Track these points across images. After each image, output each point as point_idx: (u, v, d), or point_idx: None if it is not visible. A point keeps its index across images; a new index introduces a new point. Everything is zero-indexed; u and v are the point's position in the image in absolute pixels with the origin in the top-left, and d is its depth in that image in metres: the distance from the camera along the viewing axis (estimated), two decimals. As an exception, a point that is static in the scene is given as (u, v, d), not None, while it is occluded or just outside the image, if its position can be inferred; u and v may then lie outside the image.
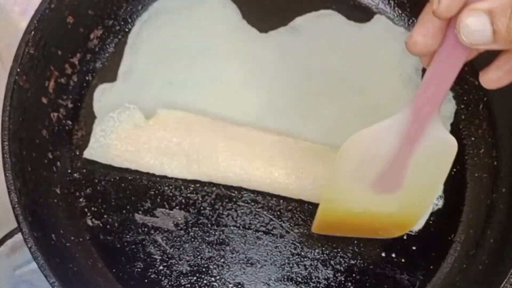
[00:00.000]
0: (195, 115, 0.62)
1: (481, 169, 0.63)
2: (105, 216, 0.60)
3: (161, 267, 0.59)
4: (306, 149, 0.61)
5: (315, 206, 0.61)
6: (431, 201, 0.60)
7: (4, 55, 0.70)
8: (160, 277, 0.58)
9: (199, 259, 0.59)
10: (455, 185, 0.63)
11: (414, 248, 0.60)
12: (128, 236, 0.59)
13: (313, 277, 0.59)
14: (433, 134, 0.48)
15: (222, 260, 0.59)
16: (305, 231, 0.60)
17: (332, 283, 0.59)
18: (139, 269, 0.59)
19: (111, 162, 0.61)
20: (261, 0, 0.69)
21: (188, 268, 0.59)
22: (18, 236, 0.59)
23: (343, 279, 0.59)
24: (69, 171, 0.62)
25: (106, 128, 0.61)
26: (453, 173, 0.63)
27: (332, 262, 0.60)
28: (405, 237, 0.61)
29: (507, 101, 0.62)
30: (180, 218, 0.60)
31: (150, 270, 0.59)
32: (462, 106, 0.66)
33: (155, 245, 0.59)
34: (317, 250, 0.60)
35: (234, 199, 0.61)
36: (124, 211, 0.60)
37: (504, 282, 0.53)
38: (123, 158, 0.61)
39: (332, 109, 0.64)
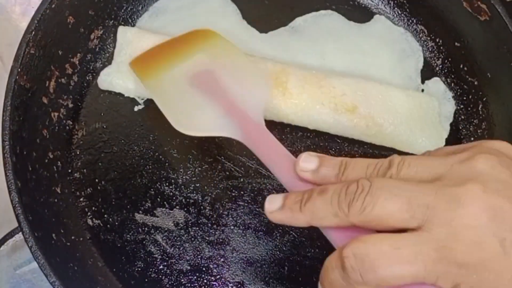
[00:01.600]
0: None
1: (480, 169, 0.63)
2: (105, 215, 0.60)
3: (161, 266, 0.59)
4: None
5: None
6: None
7: (4, 55, 0.70)
8: (160, 276, 0.59)
9: (199, 259, 0.59)
10: (454, 185, 0.63)
11: (413, 247, 0.61)
12: (128, 236, 0.60)
13: (313, 277, 0.59)
14: None
15: (222, 259, 0.59)
16: (305, 231, 0.60)
17: (332, 283, 0.59)
18: (140, 268, 0.59)
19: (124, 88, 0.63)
20: (261, 0, 0.69)
21: (189, 267, 0.59)
22: (19, 236, 0.59)
23: (343, 278, 0.59)
24: (70, 170, 0.62)
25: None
26: (452, 173, 0.64)
27: (332, 261, 0.60)
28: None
29: (506, 101, 0.62)
30: (180, 218, 0.60)
31: (151, 269, 0.59)
32: (462, 106, 0.66)
33: (156, 245, 0.59)
34: (317, 250, 0.60)
35: (234, 199, 0.61)
36: (124, 211, 0.60)
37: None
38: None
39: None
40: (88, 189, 0.61)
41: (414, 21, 0.69)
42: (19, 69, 0.56)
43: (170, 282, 0.58)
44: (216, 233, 0.60)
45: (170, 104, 0.56)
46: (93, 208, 0.61)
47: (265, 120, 0.63)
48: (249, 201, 0.61)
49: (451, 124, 0.65)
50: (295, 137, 0.63)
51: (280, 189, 0.61)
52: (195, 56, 0.59)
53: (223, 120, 0.53)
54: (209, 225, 0.60)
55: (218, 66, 0.58)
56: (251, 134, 0.52)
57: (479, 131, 0.65)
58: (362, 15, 0.69)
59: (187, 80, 0.57)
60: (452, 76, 0.67)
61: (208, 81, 0.56)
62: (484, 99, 0.64)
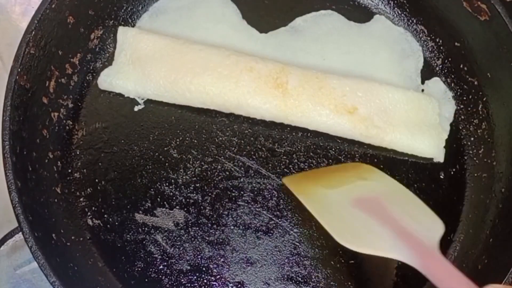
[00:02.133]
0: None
1: (480, 169, 0.64)
2: (105, 215, 0.60)
3: (161, 266, 0.59)
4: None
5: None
6: None
7: (4, 55, 0.70)
8: (160, 276, 0.59)
9: (199, 259, 0.59)
10: (454, 185, 0.63)
11: (413, 247, 0.61)
12: (128, 236, 0.60)
13: (313, 277, 0.59)
14: None
15: (222, 259, 0.59)
16: (305, 231, 0.60)
17: (332, 283, 0.59)
18: (140, 268, 0.59)
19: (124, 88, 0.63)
20: (261, 0, 0.69)
21: (188, 267, 0.59)
22: (19, 236, 0.59)
23: (343, 278, 0.59)
24: (70, 170, 0.62)
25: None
26: (452, 173, 0.64)
27: (332, 262, 0.60)
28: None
29: (506, 101, 0.62)
30: (180, 218, 0.60)
31: (151, 269, 0.59)
32: (462, 106, 0.66)
33: (156, 245, 0.59)
34: (317, 250, 0.60)
35: (234, 199, 0.61)
36: (124, 211, 0.60)
37: (503, 282, 0.53)
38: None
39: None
40: (88, 189, 0.61)
41: (414, 21, 0.69)
42: (19, 69, 0.57)
43: (170, 282, 0.58)
44: (216, 233, 0.60)
45: (332, 220, 0.55)
46: (93, 208, 0.61)
47: (265, 121, 0.63)
48: (249, 201, 0.61)
49: (451, 124, 0.65)
50: (295, 137, 0.63)
51: (280, 189, 0.61)
52: (356, 182, 0.59)
53: (393, 242, 0.52)
54: (209, 225, 0.60)
55: (384, 196, 0.57)
56: (425, 261, 0.50)
57: (479, 131, 0.65)
58: (362, 15, 0.69)
59: (350, 202, 0.56)
60: (452, 76, 0.67)
61: (374, 206, 0.55)
62: (484, 99, 0.64)
